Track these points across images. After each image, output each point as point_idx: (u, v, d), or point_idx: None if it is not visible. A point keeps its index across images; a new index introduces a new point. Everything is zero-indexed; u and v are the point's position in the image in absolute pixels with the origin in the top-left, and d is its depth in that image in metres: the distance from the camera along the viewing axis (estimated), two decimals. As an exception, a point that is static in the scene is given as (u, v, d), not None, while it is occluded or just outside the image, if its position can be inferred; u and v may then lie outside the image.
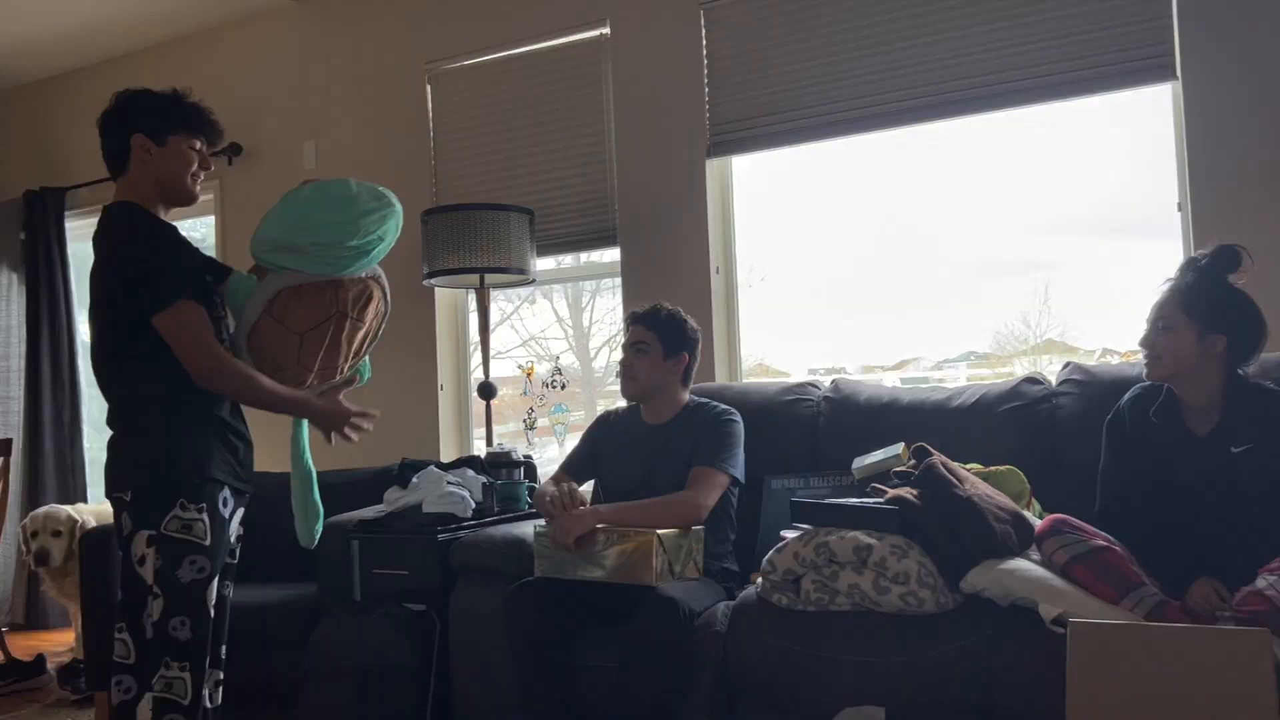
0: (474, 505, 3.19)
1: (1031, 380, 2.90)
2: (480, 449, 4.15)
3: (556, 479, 2.91)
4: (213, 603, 2.21)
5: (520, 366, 4.30)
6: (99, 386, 2.29)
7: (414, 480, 3.25)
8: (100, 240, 2.22)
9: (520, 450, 3.63)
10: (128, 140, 2.25)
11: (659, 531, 2.48)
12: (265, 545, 3.79)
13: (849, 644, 2.27)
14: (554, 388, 4.29)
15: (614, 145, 3.93)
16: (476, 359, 4.28)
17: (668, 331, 2.86)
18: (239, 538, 2.42)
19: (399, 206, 2.39)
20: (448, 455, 4.25)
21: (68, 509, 4.15)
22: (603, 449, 2.97)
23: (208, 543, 2.18)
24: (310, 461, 2.47)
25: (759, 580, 2.49)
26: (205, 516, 2.18)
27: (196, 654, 2.19)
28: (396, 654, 2.82)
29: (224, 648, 2.39)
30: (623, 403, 3.06)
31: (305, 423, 2.43)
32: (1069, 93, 3.22)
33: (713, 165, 3.77)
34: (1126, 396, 2.43)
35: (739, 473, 2.80)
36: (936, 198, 3.58)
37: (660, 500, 2.65)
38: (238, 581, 3.48)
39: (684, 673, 2.41)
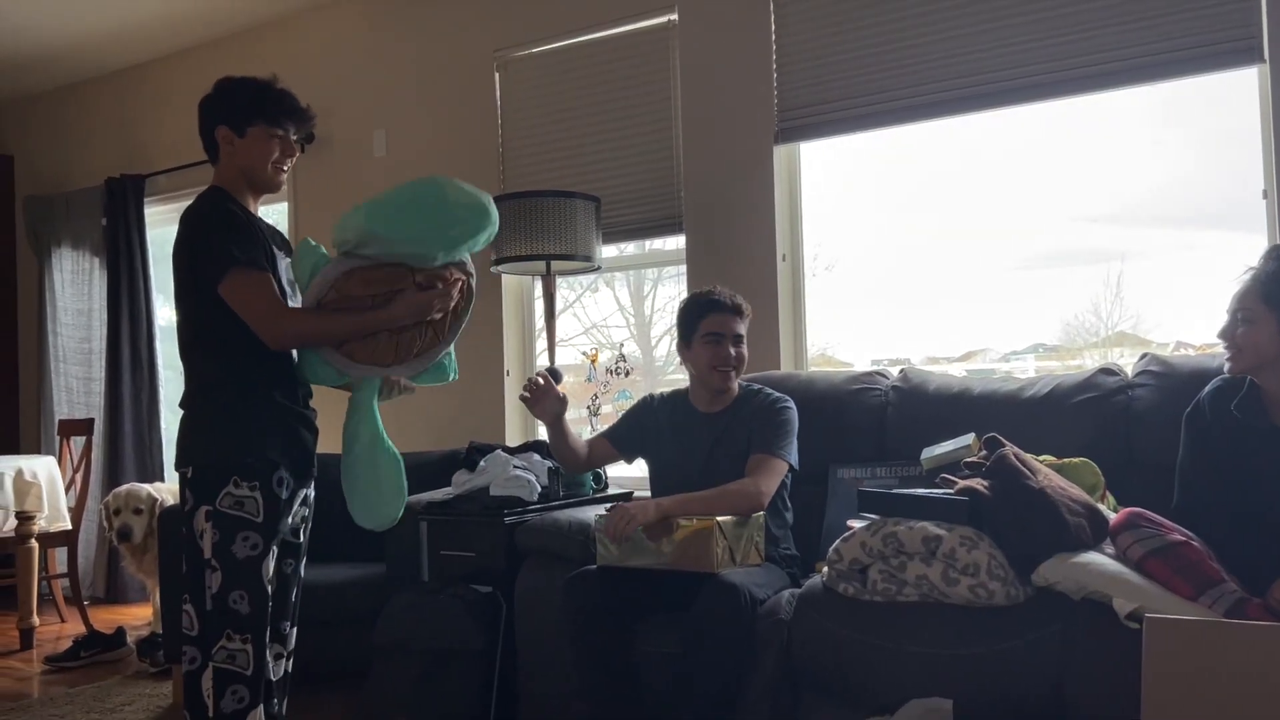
0: (540, 489, 3.22)
1: (1107, 371, 2.84)
2: (544, 435, 4.18)
3: (592, 443, 2.99)
4: (268, 578, 2.26)
5: (584, 353, 4.32)
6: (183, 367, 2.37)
7: (481, 464, 3.29)
8: (181, 220, 2.31)
9: (585, 436, 3.65)
10: (214, 133, 2.33)
11: (718, 518, 2.48)
12: (335, 526, 3.89)
13: (916, 635, 2.25)
14: (618, 374, 4.30)
15: (680, 132, 3.92)
16: (540, 345, 4.32)
17: (746, 321, 2.89)
18: (305, 519, 2.47)
19: (494, 221, 2.40)
20: (513, 440, 4.30)
21: (148, 487, 4.28)
22: (650, 431, 2.95)
23: (260, 519, 2.23)
24: (388, 439, 2.45)
25: (824, 569, 2.48)
26: (258, 494, 2.24)
27: (257, 627, 2.24)
28: (463, 635, 2.87)
29: (288, 624, 2.44)
30: (660, 390, 3.07)
31: (375, 398, 2.43)
32: (1151, 76, 3.14)
33: (780, 152, 3.75)
34: (1207, 389, 2.37)
35: (795, 460, 2.79)
36: (1007, 185, 3.51)
37: (720, 490, 2.64)
38: (309, 560, 3.56)
39: (746, 660, 2.41)
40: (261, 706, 2.28)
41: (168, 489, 4.29)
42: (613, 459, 3.05)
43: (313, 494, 2.48)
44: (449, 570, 3.15)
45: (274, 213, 5.89)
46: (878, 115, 3.53)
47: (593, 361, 4.16)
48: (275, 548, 2.29)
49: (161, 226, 5.63)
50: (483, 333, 4.40)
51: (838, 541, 2.42)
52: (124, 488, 4.29)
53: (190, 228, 2.26)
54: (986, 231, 3.56)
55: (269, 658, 2.31)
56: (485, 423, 4.36)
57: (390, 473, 2.42)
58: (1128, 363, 2.92)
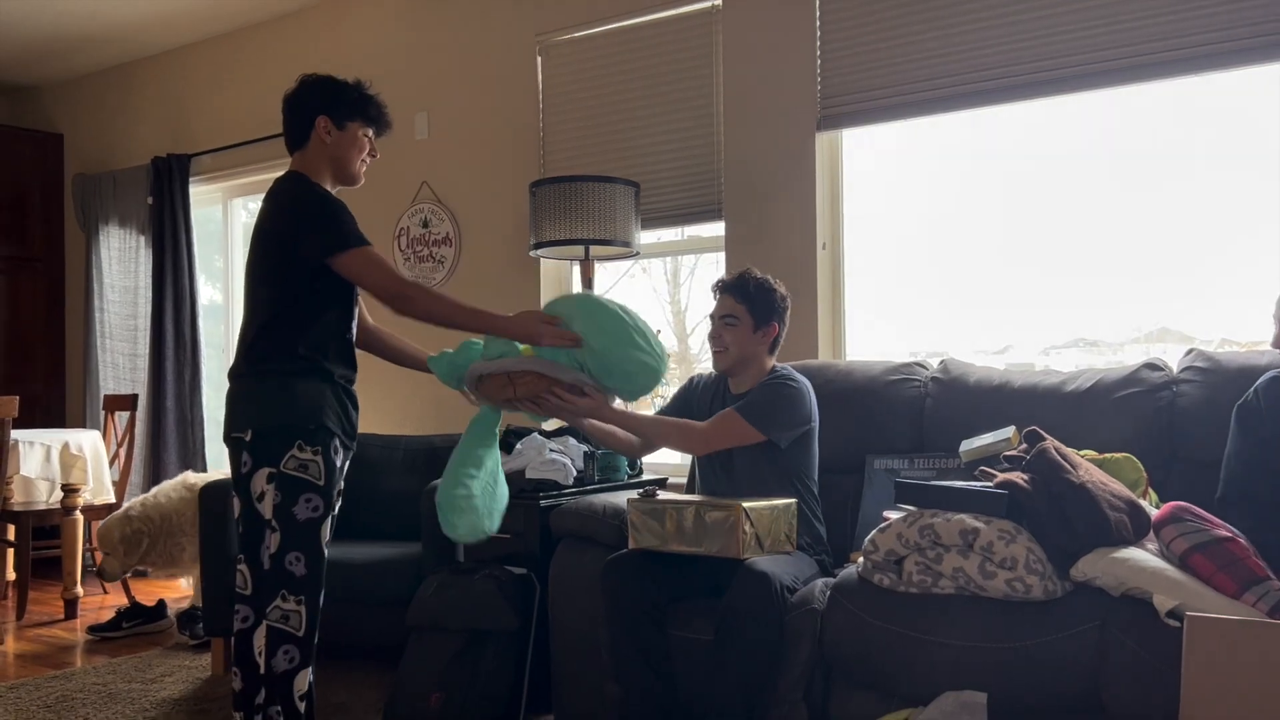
0: (575, 473, 3.23)
1: (1152, 366, 2.80)
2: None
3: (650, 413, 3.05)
4: (326, 540, 2.35)
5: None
6: (240, 338, 2.46)
7: (517, 447, 3.31)
8: (273, 199, 2.43)
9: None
10: (312, 120, 2.46)
11: (744, 505, 2.45)
12: (372, 505, 3.94)
13: (952, 627, 2.24)
14: (654, 360, 4.30)
15: (722, 118, 3.90)
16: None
17: (758, 302, 2.80)
18: (339, 493, 2.51)
19: (661, 371, 2.47)
20: (549, 425, 4.31)
21: (116, 517, 4.16)
22: (694, 410, 2.95)
23: (322, 483, 2.35)
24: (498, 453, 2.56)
25: (860, 560, 2.47)
26: (320, 459, 2.35)
27: (311, 589, 2.34)
28: (497, 616, 2.89)
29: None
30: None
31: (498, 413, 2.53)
32: (1201, 68, 3.06)
33: (822, 139, 3.72)
34: (1261, 380, 2.33)
35: (772, 433, 2.71)
36: (1049, 177, 3.46)
37: (670, 420, 2.84)
38: (342, 539, 3.61)
39: (777, 648, 2.41)
40: (310, 668, 2.35)
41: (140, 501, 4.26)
42: None
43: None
44: (484, 552, 3.18)
45: (316, 194, 5.95)
46: (921, 103, 3.49)
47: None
48: (332, 514, 2.39)
49: (206, 206, 5.70)
50: (520, 316, 4.41)
51: (873, 532, 2.41)
52: (98, 527, 4.29)
53: (297, 206, 2.39)
54: (1029, 222, 3.51)
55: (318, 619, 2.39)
56: (521, 406, 4.37)
57: (502, 496, 2.52)
58: (1171, 358, 2.88)
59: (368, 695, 3.21)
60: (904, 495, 2.42)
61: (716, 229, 3.98)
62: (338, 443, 2.41)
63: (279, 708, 2.33)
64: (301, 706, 2.36)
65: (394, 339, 2.81)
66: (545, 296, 4.40)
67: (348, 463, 2.51)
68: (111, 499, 4.84)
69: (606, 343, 2.38)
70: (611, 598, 2.57)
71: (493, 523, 2.46)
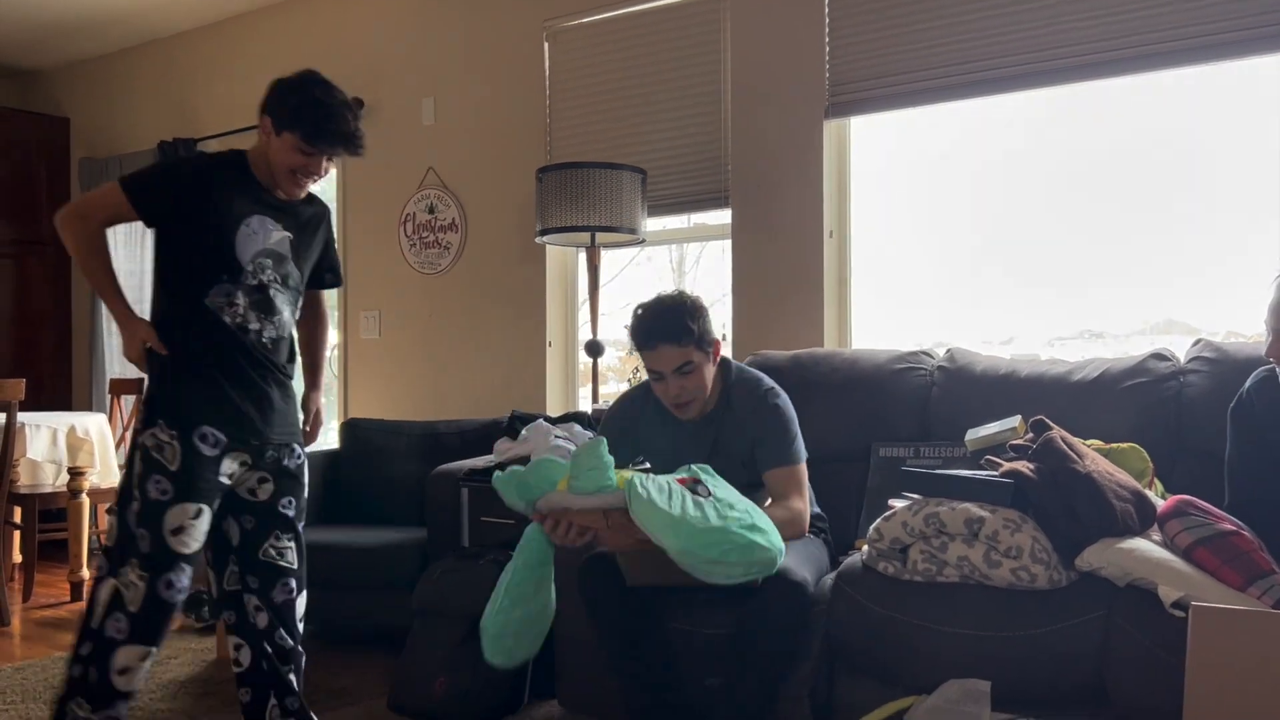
0: (580, 460, 3.23)
1: (1159, 357, 2.79)
2: (585, 407, 4.20)
3: None
4: (171, 529, 2.29)
5: (626, 326, 4.32)
6: None
7: (523, 433, 3.31)
8: None
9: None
10: (261, 115, 2.42)
11: None
12: (376, 490, 3.95)
13: (956, 616, 2.24)
14: (660, 348, 4.29)
15: (729, 105, 3.89)
16: (583, 317, 4.33)
17: (702, 333, 2.50)
18: (271, 481, 2.49)
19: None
20: (554, 410, 4.32)
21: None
22: (643, 437, 2.66)
23: (174, 468, 2.31)
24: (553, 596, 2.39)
25: (864, 548, 2.47)
26: (177, 444, 2.31)
27: (154, 567, 2.29)
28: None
29: (256, 580, 2.49)
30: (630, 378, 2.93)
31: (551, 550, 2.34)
32: (1214, 56, 3.04)
33: (830, 127, 3.71)
34: (1250, 381, 2.32)
35: (806, 451, 2.63)
36: (1057, 167, 3.45)
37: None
38: (347, 524, 3.62)
39: (803, 648, 2.40)
40: (141, 648, 2.30)
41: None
42: None
43: (297, 462, 2.54)
44: (489, 537, 3.19)
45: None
46: (930, 91, 3.48)
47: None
48: (198, 504, 2.32)
49: (212, 191, 5.70)
50: (526, 304, 4.42)
51: (878, 520, 2.41)
52: (104, 510, 4.30)
53: None
54: (1034, 212, 3.50)
55: (178, 600, 2.34)
56: (527, 393, 4.39)
57: (549, 617, 2.42)
58: (1178, 349, 2.87)
59: (372, 680, 3.23)
60: (909, 484, 2.42)
61: (723, 217, 3.97)
62: (213, 431, 2.34)
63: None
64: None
65: (307, 348, 2.75)
66: (552, 284, 4.40)
67: (249, 454, 2.43)
68: (118, 482, 4.85)
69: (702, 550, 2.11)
70: (592, 601, 2.49)
71: (536, 647, 2.37)
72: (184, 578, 2.33)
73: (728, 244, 3.92)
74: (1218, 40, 3.02)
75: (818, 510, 2.79)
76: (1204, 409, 2.64)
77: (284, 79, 2.42)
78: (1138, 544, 2.14)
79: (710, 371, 2.56)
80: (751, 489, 2.48)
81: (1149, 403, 2.71)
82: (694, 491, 2.16)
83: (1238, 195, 3.17)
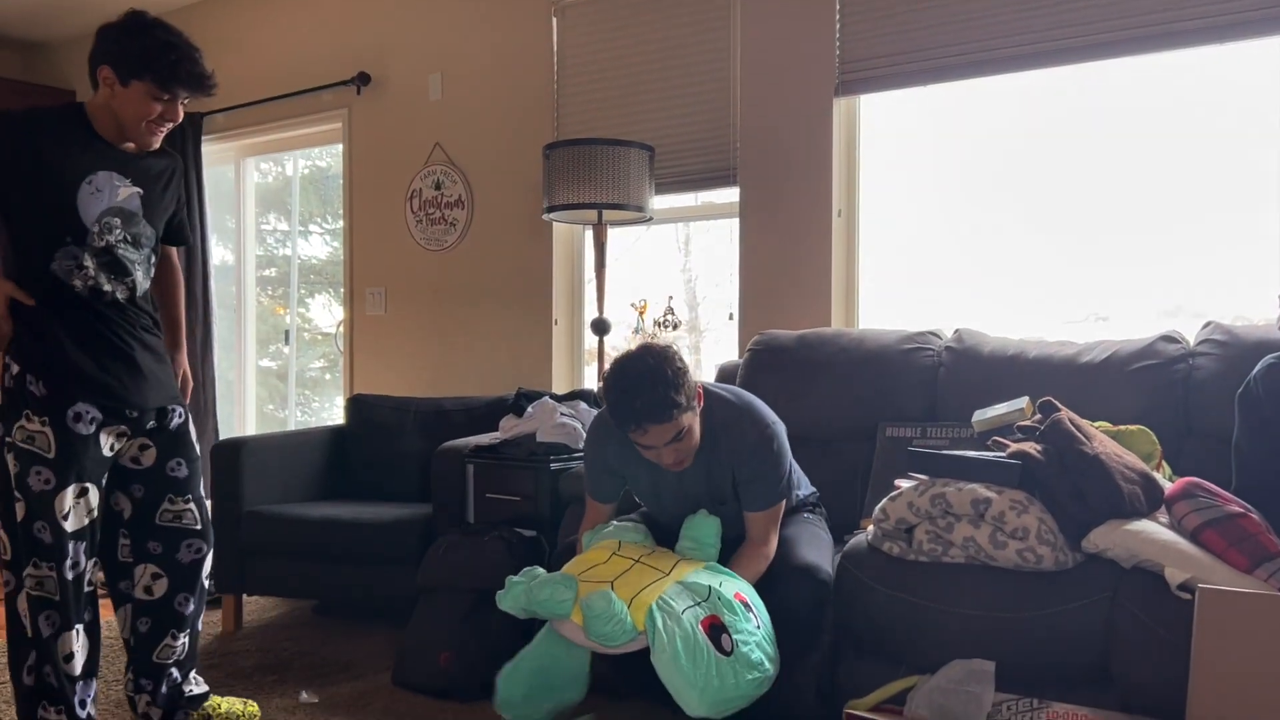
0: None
1: (1168, 339, 2.78)
2: (591, 384, 4.20)
3: (591, 521, 2.56)
4: (64, 512, 2.27)
5: (633, 305, 4.31)
6: None
7: (529, 410, 3.31)
8: None
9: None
10: (95, 68, 2.29)
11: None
12: (382, 466, 3.95)
13: (961, 597, 2.24)
14: (666, 327, 4.29)
15: (739, 82, 3.86)
16: (589, 294, 4.31)
17: (685, 398, 2.28)
18: (153, 446, 2.46)
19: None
20: (560, 388, 4.31)
21: None
22: (619, 464, 2.52)
23: (52, 455, 2.25)
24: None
25: (870, 528, 2.46)
26: (50, 429, 2.25)
27: (59, 555, 2.28)
28: (505, 577, 2.88)
29: (158, 544, 2.50)
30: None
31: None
32: (1235, 35, 3.01)
33: (840, 105, 3.68)
34: (1259, 367, 2.31)
35: (792, 484, 2.57)
36: (1066, 146, 3.42)
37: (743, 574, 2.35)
38: (352, 500, 3.63)
39: (819, 632, 2.40)
40: (79, 628, 2.33)
41: None
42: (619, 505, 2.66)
43: (178, 421, 2.49)
44: (494, 513, 3.19)
45: (328, 154, 5.91)
46: (942, 69, 3.44)
47: (641, 313, 4.16)
48: (82, 483, 2.29)
49: (219, 165, 5.68)
50: (531, 281, 4.41)
51: (884, 500, 2.40)
52: None
53: None
54: (1045, 195, 3.47)
55: (86, 578, 2.35)
56: (532, 370, 4.38)
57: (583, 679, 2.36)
58: (1188, 331, 2.85)
59: (377, 654, 3.24)
60: (916, 464, 2.42)
61: (731, 195, 3.95)
62: (88, 407, 2.28)
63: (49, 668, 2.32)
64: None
65: (163, 305, 2.62)
66: (558, 261, 4.39)
67: (125, 424, 2.38)
68: None
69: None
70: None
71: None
72: (83, 554, 2.33)
73: (735, 222, 3.90)
74: (1236, 20, 2.98)
75: (806, 493, 2.76)
76: (1213, 392, 2.63)
77: (113, 24, 2.27)
78: (1145, 526, 2.14)
79: (697, 423, 2.36)
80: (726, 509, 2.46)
81: (1158, 385, 2.70)
82: (718, 644, 2.08)
83: (1252, 178, 3.14)
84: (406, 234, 4.79)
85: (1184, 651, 1.94)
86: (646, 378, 2.22)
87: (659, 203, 4.00)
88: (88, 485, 2.31)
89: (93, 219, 2.27)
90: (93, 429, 2.30)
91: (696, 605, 2.12)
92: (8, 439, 2.28)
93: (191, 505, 2.53)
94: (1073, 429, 2.27)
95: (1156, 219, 3.30)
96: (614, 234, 4.08)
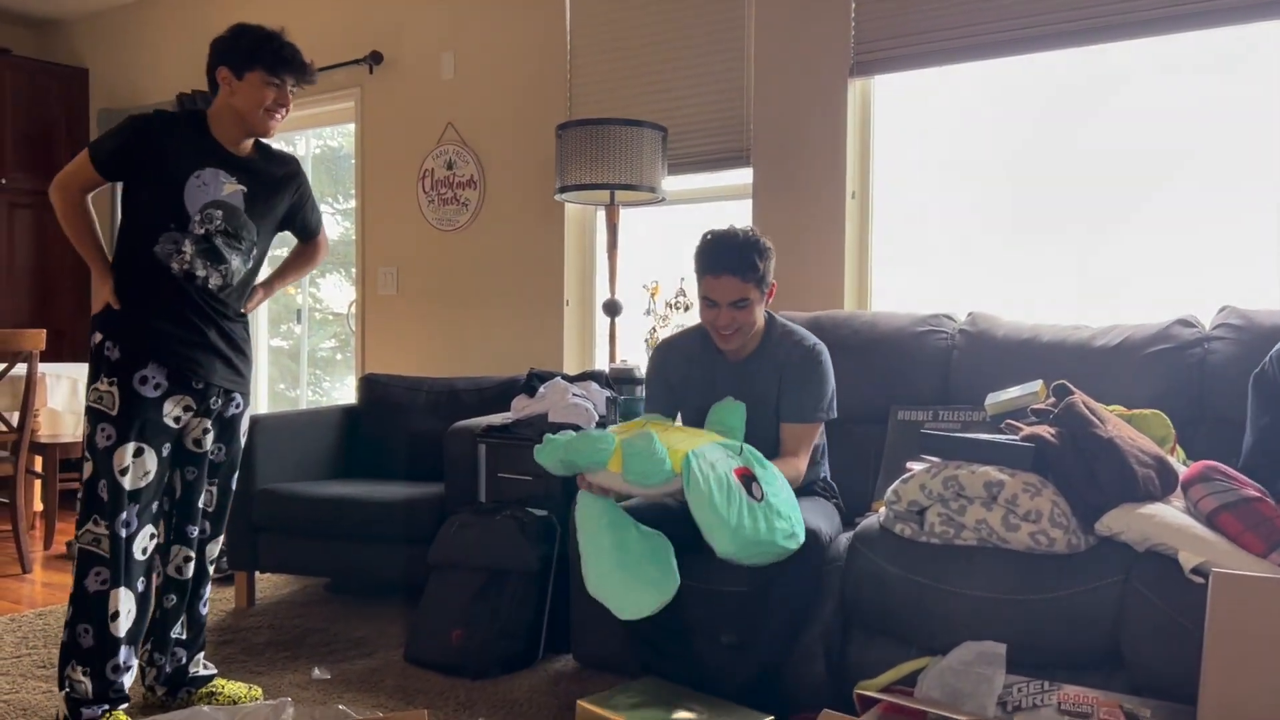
0: (598, 417, 3.24)
1: (1184, 323, 2.77)
2: (603, 366, 4.20)
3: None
4: (121, 467, 2.38)
5: (645, 286, 4.31)
6: None
7: (541, 390, 3.31)
8: None
9: (643, 368, 3.65)
10: (214, 71, 2.51)
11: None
12: (394, 445, 3.97)
13: (972, 579, 2.24)
14: (677, 308, 4.28)
15: (753, 62, 3.84)
16: (600, 275, 4.31)
17: (764, 274, 2.56)
18: (213, 432, 2.58)
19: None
20: (571, 369, 4.32)
21: None
22: (677, 380, 2.73)
23: (114, 413, 2.39)
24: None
25: (881, 509, 2.47)
26: (115, 389, 2.40)
27: (113, 513, 2.39)
28: (518, 556, 2.91)
29: (194, 528, 2.61)
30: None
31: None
32: (1260, 15, 2.98)
33: (854, 86, 3.66)
34: (1275, 350, 2.30)
35: (833, 412, 2.67)
36: (1082, 128, 3.39)
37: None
38: (365, 479, 3.65)
39: (818, 599, 2.42)
40: (124, 589, 2.40)
41: None
42: None
43: (235, 411, 2.63)
44: (506, 493, 3.20)
45: (339, 134, 5.91)
46: (958, 50, 3.42)
47: (653, 295, 4.15)
48: (138, 443, 2.40)
49: (230, 144, 5.68)
50: (543, 262, 4.40)
51: (896, 482, 2.40)
52: None
53: None
54: (1058, 178, 3.45)
55: (139, 544, 2.43)
56: (544, 351, 4.39)
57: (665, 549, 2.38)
58: (1205, 315, 2.83)
59: (389, 631, 3.26)
60: (929, 446, 2.41)
61: (744, 176, 3.94)
62: (156, 373, 2.43)
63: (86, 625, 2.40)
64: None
65: (281, 269, 2.87)
66: (569, 240, 4.38)
67: (192, 397, 2.51)
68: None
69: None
70: None
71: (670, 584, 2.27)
72: (135, 516, 2.41)
73: (748, 204, 3.89)
74: (1253, 0, 2.95)
75: (826, 476, 2.79)
76: (1228, 376, 2.62)
77: (220, 35, 2.51)
78: (1159, 510, 2.14)
79: (761, 312, 2.62)
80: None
81: (1172, 369, 2.69)
82: (749, 490, 2.19)
83: (1271, 164, 3.12)
84: (418, 214, 4.79)
85: (1196, 636, 1.94)
86: (742, 237, 2.53)
87: (672, 184, 3.99)
88: (144, 447, 2.41)
89: (196, 209, 2.46)
90: (158, 394, 2.43)
91: (730, 457, 2.25)
92: (88, 403, 2.44)
93: (214, 489, 2.64)
94: (1087, 412, 2.26)
95: (1174, 203, 3.28)
96: (626, 215, 4.08)
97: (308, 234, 2.81)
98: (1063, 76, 3.41)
